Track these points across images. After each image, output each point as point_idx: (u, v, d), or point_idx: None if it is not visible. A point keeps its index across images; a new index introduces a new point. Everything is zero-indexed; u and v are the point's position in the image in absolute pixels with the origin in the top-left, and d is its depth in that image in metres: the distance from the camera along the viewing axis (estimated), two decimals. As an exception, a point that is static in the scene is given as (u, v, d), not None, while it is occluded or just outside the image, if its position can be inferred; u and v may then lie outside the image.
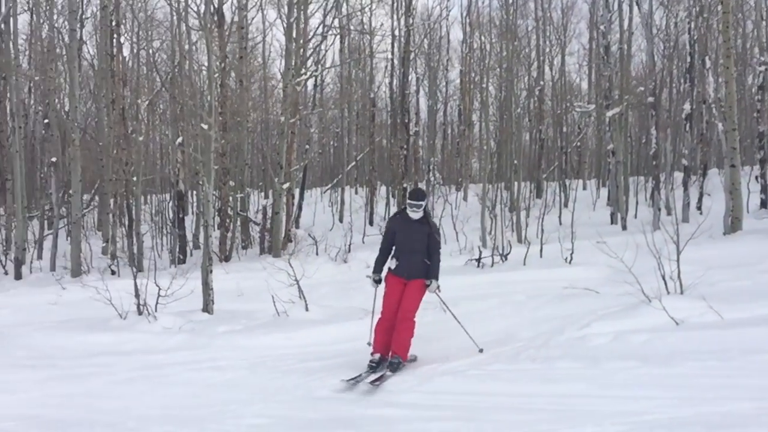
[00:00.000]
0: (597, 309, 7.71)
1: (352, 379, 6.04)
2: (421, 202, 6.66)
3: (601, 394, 4.99)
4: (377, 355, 6.57)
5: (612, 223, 19.07)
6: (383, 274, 6.97)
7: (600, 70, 23.00)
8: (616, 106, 19.54)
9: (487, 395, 5.36)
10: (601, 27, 20.65)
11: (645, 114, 24.41)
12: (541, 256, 13.34)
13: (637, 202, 21.28)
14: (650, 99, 19.29)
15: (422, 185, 25.82)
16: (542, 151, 28.44)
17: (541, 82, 29.42)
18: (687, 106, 19.66)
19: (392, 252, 6.92)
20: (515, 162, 22.01)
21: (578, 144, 32.18)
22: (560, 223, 18.58)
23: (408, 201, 6.75)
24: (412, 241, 6.74)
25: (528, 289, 10.09)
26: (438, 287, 6.84)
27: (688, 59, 20.03)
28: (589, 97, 32.53)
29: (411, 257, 6.74)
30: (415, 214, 6.69)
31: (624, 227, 17.51)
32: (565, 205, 22.93)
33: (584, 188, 29.27)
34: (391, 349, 6.56)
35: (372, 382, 5.94)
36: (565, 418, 4.59)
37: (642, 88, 21.68)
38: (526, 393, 5.29)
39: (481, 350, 6.68)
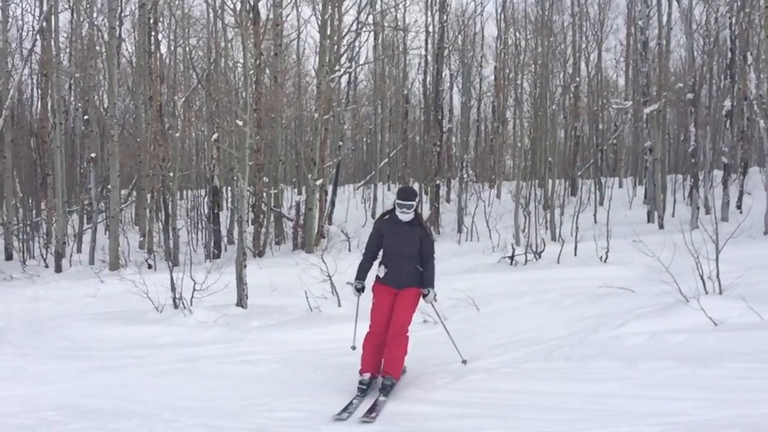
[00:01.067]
0: (633, 308, 7.61)
1: (344, 410, 5.30)
2: (411, 202, 5.90)
3: (637, 395, 4.92)
4: (367, 375, 5.84)
5: (649, 221, 18.78)
6: (369, 282, 6.15)
7: (638, 66, 22.63)
8: (654, 103, 19.21)
9: (521, 393, 5.33)
10: (639, 22, 20.29)
11: (684, 111, 23.92)
12: (575, 255, 13.21)
13: (674, 201, 20.92)
14: (689, 95, 18.91)
15: (455, 183, 25.73)
16: (577, 148, 28.11)
17: (577, 79, 29.06)
18: (727, 103, 19.24)
19: (379, 258, 6.15)
20: (550, 159, 21.80)
21: (614, 141, 31.67)
22: (595, 222, 18.35)
23: (396, 201, 5.94)
24: (402, 246, 5.96)
25: (562, 287, 9.99)
26: (435, 296, 6.07)
27: (729, 55, 19.60)
28: (626, 94, 32.06)
29: (401, 264, 5.96)
30: (405, 216, 5.92)
31: (661, 226, 17.24)
32: (601, 203, 22.64)
33: (620, 186, 28.84)
34: (382, 369, 5.85)
35: (366, 416, 5.15)
36: (599, 417, 4.54)
37: (681, 85, 21.25)
38: (560, 392, 5.24)
39: (464, 361, 6.23)
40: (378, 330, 5.91)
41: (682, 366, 5.36)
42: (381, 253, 6.12)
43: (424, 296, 5.99)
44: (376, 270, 6.08)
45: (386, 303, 5.95)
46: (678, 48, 29.83)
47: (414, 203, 5.92)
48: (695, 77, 19.49)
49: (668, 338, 6.12)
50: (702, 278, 7.27)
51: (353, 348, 6.24)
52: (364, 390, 5.72)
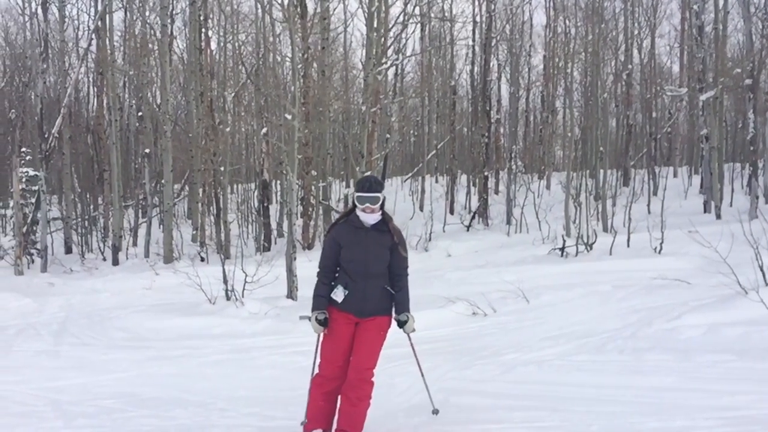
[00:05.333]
0: (688, 300, 7.45)
1: None
2: (376, 194, 4.33)
3: (693, 388, 4.82)
4: None
5: (705, 211, 18.27)
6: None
7: (693, 51, 21.99)
8: (711, 89, 18.65)
9: (572, 386, 5.27)
10: (695, 6, 19.67)
11: (742, 97, 23.17)
12: (628, 246, 12.95)
13: (732, 190, 20.30)
14: (748, 81, 18.29)
15: (503, 174, 25.45)
16: (630, 137, 27.50)
17: (630, 66, 28.39)
18: (788, 88, 18.57)
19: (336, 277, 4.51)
20: (601, 149, 21.40)
21: (669, 130, 30.90)
22: (649, 212, 17.94)
23: (357, 194, 4.35)
24: (367, 260, 4.38)
25: (614, 279, 9.82)
26: (414, 324, 4.58)
27: (790, 38, 18.89)
28: (681, 81, 31.18)
29: (366, 284, 4.38)
30: (370, 217, 4.38)
31: (718, 216, 16.76)
32: (655, 194, 22.10)
33: (675, 176, 28.13)
34: (337, 426, 4.35)
35: None
36: (653, 411, 4.46)
37: (739, 70, 20.55)
38: (613, 385, 5.16)
39: (435, 411, 4.83)
40: (332, 373, 4.41)
41: (740, 359, 5.22)
42: (339, 270, 4.52)
43: (403, 324, 4.52)
44: (332, 292, 4.45)
45: (344, 336, 4.40)
46: (735, 32, 28.81)
47: (380, 196, 4.37)
48: (754, 62, 18.81)
49: (726, 331, 5.97)
50: (762, 269, 7.06)
51: (302, 424, 4.51)
52: None
